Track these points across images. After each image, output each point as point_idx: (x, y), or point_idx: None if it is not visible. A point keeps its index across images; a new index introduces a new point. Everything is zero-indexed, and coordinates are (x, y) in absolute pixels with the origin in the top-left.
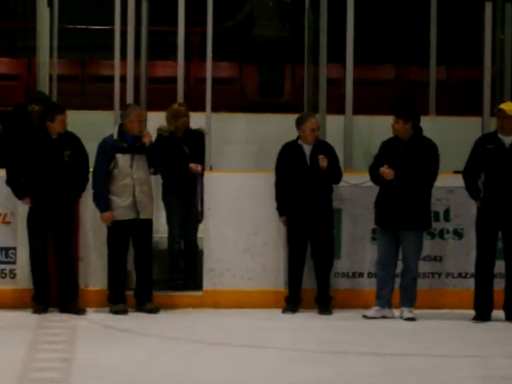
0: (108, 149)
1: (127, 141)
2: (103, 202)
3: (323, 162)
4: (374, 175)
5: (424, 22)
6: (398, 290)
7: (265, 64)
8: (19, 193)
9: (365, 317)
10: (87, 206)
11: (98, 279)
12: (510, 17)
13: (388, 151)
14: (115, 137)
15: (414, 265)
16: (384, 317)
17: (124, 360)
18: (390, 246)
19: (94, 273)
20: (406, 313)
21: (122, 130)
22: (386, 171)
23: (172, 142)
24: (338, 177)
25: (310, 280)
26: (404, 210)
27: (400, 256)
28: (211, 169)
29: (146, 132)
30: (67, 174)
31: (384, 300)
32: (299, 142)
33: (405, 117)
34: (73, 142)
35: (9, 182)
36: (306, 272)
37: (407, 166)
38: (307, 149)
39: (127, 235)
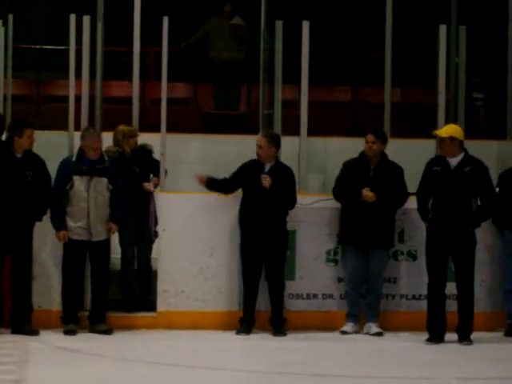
0: (66, 169)
1: (85, 163)
2: (57, 222)
3: (265, 181)
4: (344, 196)
5: (379, 44)
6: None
7: (221, 85)
8: None
9: (342, 332)
10: (42, 226)
11: (52, 300)
12: (463, 39)
13: (356, 173)
14: (74, 158)
15: (380, 282)
16: (356, 332)
17: (76, 381)
18: (360, 265)
19: (47, 293)
20: (374, 328)
21: (81, 152)
22: (369, 194)
23: (122, 162)
24: (291, 202)
25: (264, 301)
26: (374, 230)
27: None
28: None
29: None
30: (29, 195)
31: (356, 317)
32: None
33: (382, 139)
34: (36, 162)
35: None
36: (259, 293)
37: (380, 189)
38: (267, 168)
39: (82, 255)
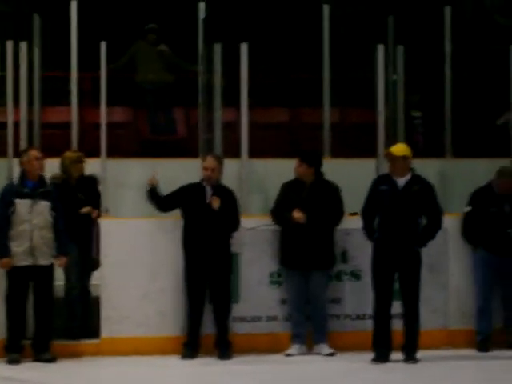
0: (8, 194)
1: (28, 186)
2: (0, 248)
3: (215, 202)
4: (280, 218)
5: (317, 64)
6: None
7: (151, 108)
8: None
9: (287, 355)
10: None
11: None
12: (401, 58)
13: (291, 194)
14: (16, 182)
15: (322, 303)
16: (302, 354)
17: None
18: (301, 287)
19: None
20: (326, 349)
21: (23, 175)
22: (298, 215)
23: (66, 189)
24: (235, 224)
25: (209, 325)
26: (313, 251)
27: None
28: (107, 211)
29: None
30: None
31: (301, 338)
32: (203, 183)
33: (309, 161)
34: None
35: None
36: (204, 317)
37: (313, 209)
38: (208, 190)
39: (26, 282)
